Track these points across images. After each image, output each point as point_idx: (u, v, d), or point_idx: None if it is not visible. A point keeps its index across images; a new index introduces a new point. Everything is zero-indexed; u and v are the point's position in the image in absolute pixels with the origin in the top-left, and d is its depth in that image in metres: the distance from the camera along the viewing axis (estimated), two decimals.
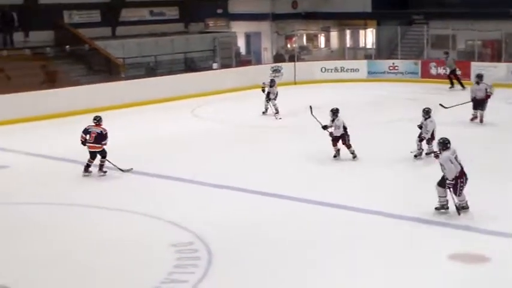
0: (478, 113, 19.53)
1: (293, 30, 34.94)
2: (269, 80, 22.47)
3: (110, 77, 26.46)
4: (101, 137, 15.09)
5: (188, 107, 24.45)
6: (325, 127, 15.80)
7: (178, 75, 27.79)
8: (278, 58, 32.97)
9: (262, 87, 22.26)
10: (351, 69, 30.63)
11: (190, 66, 29.97)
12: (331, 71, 30.53)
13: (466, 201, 11.74)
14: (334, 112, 15.67)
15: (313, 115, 16.33)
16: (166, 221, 11.91)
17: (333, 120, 15.67)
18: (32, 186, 14.69)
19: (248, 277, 9.61)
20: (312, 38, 37.44)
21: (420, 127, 15.66)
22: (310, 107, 16.74)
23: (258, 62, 33.38)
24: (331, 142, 15.80)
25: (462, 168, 11.66)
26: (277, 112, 21.70)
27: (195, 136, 19.27)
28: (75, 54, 27.41)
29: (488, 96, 19.38)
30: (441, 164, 11.69)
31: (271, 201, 12.98)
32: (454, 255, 10.10)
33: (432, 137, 15.32)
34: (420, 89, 27.02)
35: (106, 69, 27.26)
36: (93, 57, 27.47)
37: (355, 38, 36.32)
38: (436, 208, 11.84)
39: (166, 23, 32.08)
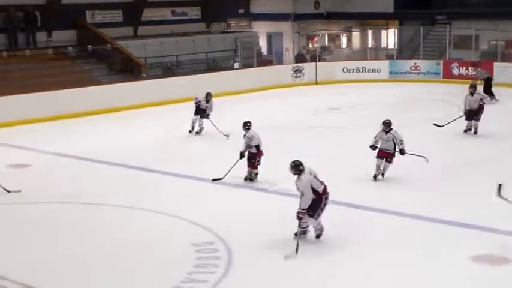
0: (472, 123, 18.58)
1: (315, 30, 34.88)
2: (204, 95, 19.62)
3: (131, 77, 26.58)
4: None
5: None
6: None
7: (200, 75, 27.81)
8: (299, 58, 32.92)
9: (197, 103, 19.60)
10: (373, 70, 30.51)
11: (211, 66, 29.99)
12: (353, 72, 30.42)
13: (321, 226, 10.69)
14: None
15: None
16: (187, 221, 11.90)
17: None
18: (54, 185, 14.74)
19: (268, 278, 9.57)
20: (334, 38, 37.35)
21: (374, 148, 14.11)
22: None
23: (280, 62, 33.37)
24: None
25: (325, 186, 10.59)
26: (195, 130, 19.62)
27: (216, 136, 19.25)
28: (97, 53, 27.53)
29: (482, 107, 18.47)
30: (300, 191, 10.41)
31: (293, 202, 12.90)
32: (477, 256, 10.01)
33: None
34: (442, 90, 26.85)
35: (127, 69, 27.37)
36: (114, 57, 27.58)
37: (377, 38, 36.20)
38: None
39: (188, 23, 32.13)
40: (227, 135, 18.21)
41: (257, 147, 14.23)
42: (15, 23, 25.91)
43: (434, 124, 18.45)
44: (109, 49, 27.48)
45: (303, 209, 10.38)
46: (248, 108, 24.72)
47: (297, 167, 10.55)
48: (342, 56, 34.56)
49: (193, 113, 19.55)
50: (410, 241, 10.86)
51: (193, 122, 19.49)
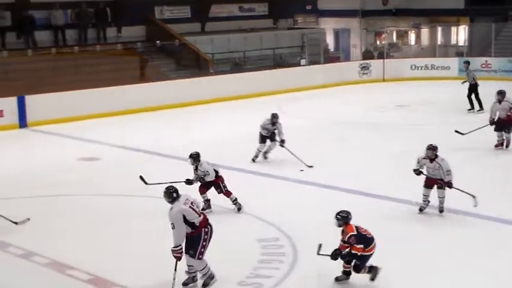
0: (504, 136, 16.42)
1: (383, 27, 34.51)
2: (269, 117, 15.90)
3: (198, 72, 26.77)
4: None
5: (275, 103, 24.40)
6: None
7: (266, 71, 27.83)
8: (367, 55, 32.64)
9: (264, 129, 15.85)
10: (442, 67, 29.98)
11: (278, 62, 29.98)
12: (421, 69, 29.97)
13: (210, 272, 9.12)
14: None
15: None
16: (254, 216, 11.92)
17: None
18: (122, 178, 14.94)
19: (333, 276, 9.49)
20: (402, 35, 36.88)
21: None
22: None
23: (347, 58, 33.15)
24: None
25: (205, 217, 9.05)
26: (256, 156, 16.00)
27: (285, 132, 19.23)
28: (165, 49, 27.83)
29: (510, 118, 16.18)
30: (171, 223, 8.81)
31: (358, 199, 12.81)
32: None
33: None
34: None
35: (195, 65, 27.58)
36: (182, 53, 27.84)
37: (446, 35, 35.54)
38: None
39: (255, 19, 32.21)
40: (311, 166, 15.00)
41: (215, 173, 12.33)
42: (86, 18, 26.38)
43: (456, 131, 16.44)
44: (177, 45, 27.76)
45: (176, 246, 8.72)
46: (315, 104, 24.66)
47: (169, 194, 9.01)
48: (410, 53, 34.08)
49: (259, 141, 16.04)
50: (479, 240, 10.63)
51: (259, 150, 16.06)
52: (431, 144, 11.56)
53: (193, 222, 8.81)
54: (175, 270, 8.74)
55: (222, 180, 12.34)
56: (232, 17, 31.51)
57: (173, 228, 8.72)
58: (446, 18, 34.92)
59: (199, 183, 12.30)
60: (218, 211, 12.30)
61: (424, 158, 11.61)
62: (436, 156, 11.50)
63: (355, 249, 8.84)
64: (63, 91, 21.88)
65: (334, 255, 8.96)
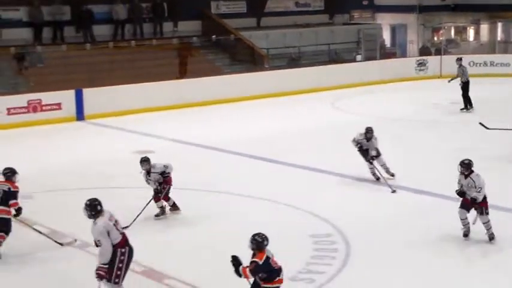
0: None
1: (440, 23, 34.01)
2: (363, 133, 14.01)
3: (253, 68, 26.78)
4: (7, 196, 10.12)
5: (330, 99, 24.34)
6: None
7: (321, 66, 27.70)
8: (424, 51, 32.19)
9: (357, 144, 13.97)
10: (501, 64, 29.41)
11: (333, 57, 29.81)
12: (480, 65, 29.39)
13: None
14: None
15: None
16: (307, 212, 11.90)
17: None
18: (177, 172, 15.03)
19: (386, 273, 9.41)
20: (461, 31, 36.27)
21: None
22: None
23: (403, 54, 32.77)
24: None
25: (125, 236, 8.26)
26: (390, 175, 13.95)
27: (336, 128, 19.13)
28: (220, 44, 27.93)
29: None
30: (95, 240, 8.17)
31: (413, 197, 12.67)
32: None
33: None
34: None
35: (250, 60, 27.60)
36: (237, 48, 27.90)
37: (507, 31, 34.82)
38: None
39: (311, 14, 32.08)
40: (394, 191, 13.14)
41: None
42: (140, 13, 26.61)
43: (481, 124, 15.79)
44: (232, 40, 27.83)
45: (104, 265, 8.04)
46: (370, 101, 24.47)
47: (92, 207, 8.22)
48: (468, 50, 33.51)
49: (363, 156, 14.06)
50: None
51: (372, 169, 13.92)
52: (463, 160, 10.45)
53: (112, 243, 8.04)
54: None
55: (170, 183, 11.89)
56: (287, 12, 31.41)
57: (99, 245, 8.05)
58: (506, 14, 34.18)
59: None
60: (271, 207, 12.31)
61: (460, 174, 10.49)
62: (471, 171, 10.36)
63: (244, 273, 7.68)
64: (120, 85, 22.17)
65: (235, 270, 7.81)
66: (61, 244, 10.48)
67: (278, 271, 7.74)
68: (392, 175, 13.72)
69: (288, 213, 12.02)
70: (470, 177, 10.32)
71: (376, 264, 9.66)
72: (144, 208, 11.64)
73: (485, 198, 10.33)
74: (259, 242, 7.71)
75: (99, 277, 7.96)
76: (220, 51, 27.91)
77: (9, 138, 18.82)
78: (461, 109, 21.60)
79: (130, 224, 11.10)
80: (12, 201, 10.00)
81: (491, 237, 10.39)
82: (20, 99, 20.78)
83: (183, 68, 24.92)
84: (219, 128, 19.89)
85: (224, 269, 9.37)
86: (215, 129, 19.75)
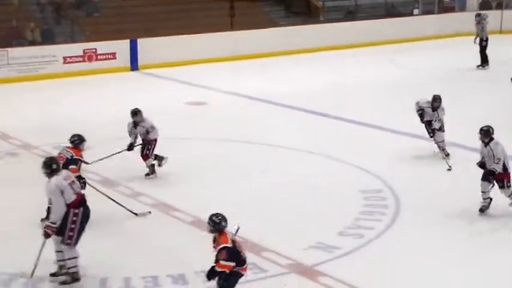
0: None
1: None
2: (430, 99, 12.33)
3: (308, 20, 26.50)
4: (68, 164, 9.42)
5: (386, 53, 23.99)
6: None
7: (378, 20, 27.25)
8: (484, 5, 31.32)
9: (419, 110, 12.48)
10: None
11: (390, 11, 29.27)
12: None
13: (75, 271, 7.94)
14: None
15: None
16: (359, 168, 11.82)
17: None
18: (228, 124, 15.08)
19: (435, 230, 9.33)
20: None
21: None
22: None
23: (462, 9, 31.92)
24: None
25: (82, 196, 7.99)
26: (446, 155, 12.17)
27: (391, 84, 18.88)
28: None
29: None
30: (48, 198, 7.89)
31: (466, 154, 12.44)
32: None
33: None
34: None
35: (305, 12, 27.30)
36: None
37: None
38: None
39: None
40: (449, 168, 11.73)
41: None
42: None
43: None
44: None
45: (53, 223, 7.72)
46: (427, 56, 24.03)
47: (47, 166, 7.92)
48: None
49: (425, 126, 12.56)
50: None
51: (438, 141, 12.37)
52: (482, 127, 9.73)
53: (66, 202, 7.76)
54: (39, 254, 7.87)
55: (155, 143, 11.54)
56: None
57: (51, 203, 7.81)
58: None
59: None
60: (321, 161, 12.27)
61: (481, 143, 9.79)
62: (491, 139, 9.65)
63: (221, 267, 7.01)
64: (175, 35, 22.18)
65: (211, 275, 7.12)
66: (136, 214, 9.81)
67: (244, 261, 7.19)
68: (447, 155, 12.05)
69: (339, 168, 11.96)
70: (489, 146, 9.61)
71: (425, 223, 9.57)
72: (115, 154, 11.63)
73: (506, 169, 9.62)
74: (216, 223, 7.13)
75: (45, 235, 7.73)
76: (275, 2, 27.63)
77: (64, 87, 19.07)
78: (478, 66, 21.18)
79: (101, 159, 11.37)
80: (71, 167, 9.19)
81: None
82: (75, 48, 20.97)
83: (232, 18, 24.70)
84: (272, 81, 19.80)
85: (273, 220, 9.45)
86: (268, 82, 19.67)
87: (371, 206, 10.07)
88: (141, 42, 21.63)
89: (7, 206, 10.24)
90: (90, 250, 8.68)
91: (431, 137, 12.13)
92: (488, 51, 21.21)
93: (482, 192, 9.73)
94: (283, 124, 15.02)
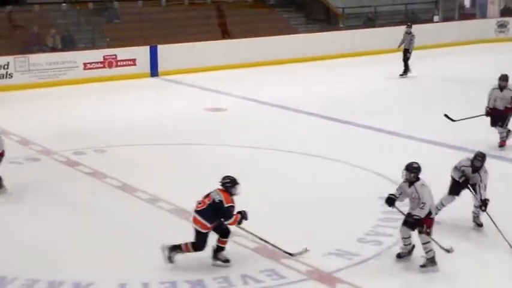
0: (497, 131, 13.30)
1: None
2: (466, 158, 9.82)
3: (328, 27, 26.50)
4: (215, 210, 8.25)
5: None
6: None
7: (398, 27, 27.15)
8: (505, 12, 31.21)
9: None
10: None
11: (410, 18, 29.18)
12: None
13: None
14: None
15: None
16: (379, 174, 11.76)
17: None
18: (247, 130, 15.10)
19: (454, 238, 9.23)
20: None
21: None
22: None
23: (483, 16, 31.85)
24: None
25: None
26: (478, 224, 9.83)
27: (410, 90, 18.82)
28: (295, 2, 27.71)
29: (509, 110, 13.04)
30: None
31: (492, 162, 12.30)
32: None
33: None
34: None
35: (325, 19, 27.31)
36: (313, 6, 27.64)
37: None
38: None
39: None
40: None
41: None
42: None
43: (446, 115, 13.52)
44: None
45: None
46: (446, 63, 23.95)
47: None
48: None
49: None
50: None
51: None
52: (411, 163, 8.84)
53: None
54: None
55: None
56: None
57: None
58: None
59: None
60: (340, 167, 12.25)
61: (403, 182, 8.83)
62: (418, 179, 8.65)
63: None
64: (195, 42, 22.25)
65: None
66: (291, 254, 8.57)
67: None
68: (480, 225, 9.75)
69: (357, 174, 11.93)
70: (415, 187, 8.52)
71: (445, 229, 9.48)
72: None
73: (430, 213, 8.45)
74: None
75: None
76: (295, 9, 27.67)
77: (84, 93, 19.19)
78: (400, 75, 21.05)
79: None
80: (228, 222, 8.24)
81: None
82: (96, 54, 21.10)
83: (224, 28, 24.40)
84: (292, 88, 19.81)
85: (292, 226, 9.43)
86: (287, 88, 19.68)
87: (390, 213, 9.99)
88: (161, 49, 21.72)
89: (32, 212, 10.31)
90: (109, 254, 8.75)
91: (483, 210, 9.38)
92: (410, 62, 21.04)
93: (403, 238, 8.60)
94: (302, 131, 15.01)
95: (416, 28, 26.84)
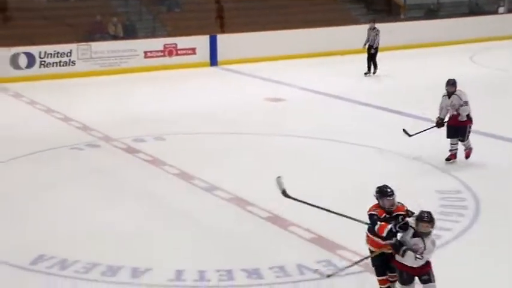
0: (458, 145, 11.94)
1: None
2: None
3: (389, 18, 26.19)
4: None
5: (468, 52, 23.50)
6: None
7: (460, 18, 26.72)
8: None
9: None
10: None
11: (474, 9, 28.68)
12: None
13: None
14: None
15: None
16: (434, 167, 11.62)
17: None
18: (305, 120, 15.05)
19: None
20: None
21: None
22: None
23: None
24: None
25: None
26: None
27: (472, 84, 18.42)
28: None
29: (465, 122, 11.78)
30: None
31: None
32: None
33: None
34: None
35: (386, 9, 27.00)
36: None
37: None
38: None
39: None
40: None
41: None
42: None
43: (404, 131, 12.32)
44: None
45: None
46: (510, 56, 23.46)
47: None
48: None
49: None
50: None
51: None
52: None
53: None
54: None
55: None
56: None
57: None
58: None
59: None
60: (397, 160, 12.11)
61: None
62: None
63: None
64: (255, 31, 22.25)
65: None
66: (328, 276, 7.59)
67: None
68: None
69: (413, 167, 11.77)
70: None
71: (506, 227, 9.31)
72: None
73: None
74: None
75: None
76: (356, 0, 27.42)
77: (145, 81, 19.39)
78: (365, 73, 19.99)
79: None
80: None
81: None
82: (156, 43, 21.31)
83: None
84: (351, 79, 19.66)
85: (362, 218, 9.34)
86: (347, 79, 19.54)
87: (449, 207, 9.87)
88: (221, 38, 21.81)
89: (91, 197, 10.48)
90: (167, 241, 8.84)
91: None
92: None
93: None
94: (359, 122, 14.88)
95: (480, 20, 26.53)
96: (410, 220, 6.85)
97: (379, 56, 20.10)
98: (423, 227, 6.65)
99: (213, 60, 21.81)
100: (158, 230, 9.22)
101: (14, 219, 9.67)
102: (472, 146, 11.91)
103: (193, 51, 21.62)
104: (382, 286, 7.13)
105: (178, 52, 21.43)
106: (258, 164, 11.94)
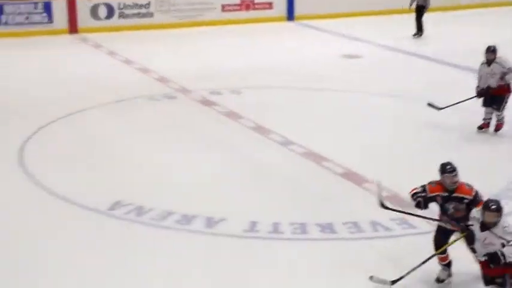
0: (493, 115, 11.31)
1: None
2: None
3: None
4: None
5: None
6: None
7: None
8: None
9: None
10: None
11: None
12: None
13: None
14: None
15: None
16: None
17: None
18: (381, 79, 14.86)
19: None
20: None
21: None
22: None
23: None
24: None
25: None
26: None
27: None
28: None
29: (506, 89, 11.05)
30: None
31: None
32: None
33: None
34: None
35: None
36: None
37: None
38: None
39: None
40: None
41: None
42: None
43: (429, 104, 11.63)
44: None
45: None
46: None
47: None
48: None
49: None
50: None
51: None
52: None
53: None
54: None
55: None
56: None
57: None
58: None
59: None
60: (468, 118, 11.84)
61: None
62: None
63: None
64: None
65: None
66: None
67: None
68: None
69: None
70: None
71: None
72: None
73: None
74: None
75: None
76: None
77: (222, 34, 19.40)
78: (413, 34, 19.09)
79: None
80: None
81: None
82: None
83: None
84: (429, 38, 19.17)
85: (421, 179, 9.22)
86: (427, 39, 19.02)
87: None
88: None
89: (168, 147, 10.61)
90: (242, 192, 8.91)
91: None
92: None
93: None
94: (440, 82, 14.55)
95: None
96: (474, 211, 6.30)
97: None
98: (489, 217, 6.07)
99: (290, 15, 21.66)
100: (233, 182, 9.30)
101: (96, 165, 9.90)
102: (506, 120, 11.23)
103: (270, 5, 21.49)
104: (442, 263, 6.92)
105: (255, 6, 21.34)
106: (333, 120, 11.88)
